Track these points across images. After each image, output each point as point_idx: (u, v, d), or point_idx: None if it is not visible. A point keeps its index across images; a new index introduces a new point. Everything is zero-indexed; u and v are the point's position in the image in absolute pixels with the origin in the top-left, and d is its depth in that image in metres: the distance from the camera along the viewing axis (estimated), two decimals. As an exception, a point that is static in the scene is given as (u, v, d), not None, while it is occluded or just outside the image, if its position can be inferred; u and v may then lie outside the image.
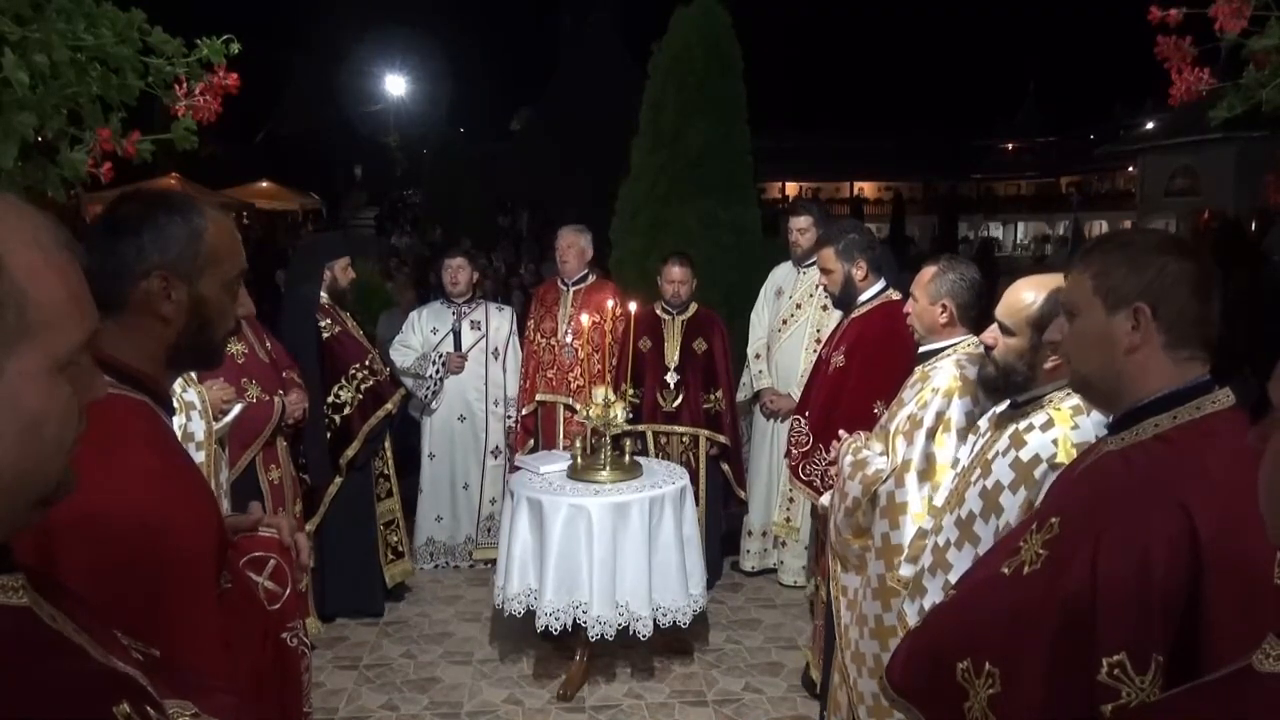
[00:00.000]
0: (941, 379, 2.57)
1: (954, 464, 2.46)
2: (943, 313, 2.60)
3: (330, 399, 4.33)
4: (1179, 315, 1.35)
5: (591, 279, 5.25)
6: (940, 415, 2.52)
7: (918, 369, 2.69)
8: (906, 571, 2.30)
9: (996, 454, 1.97)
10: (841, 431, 2.91)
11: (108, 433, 1.09)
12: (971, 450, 2.16)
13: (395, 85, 30.84)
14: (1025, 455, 1.90)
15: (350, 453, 4.36)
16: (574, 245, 5.19)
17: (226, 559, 1.34)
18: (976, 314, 2.65)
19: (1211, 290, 1.37)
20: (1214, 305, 1.37)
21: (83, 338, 0.79)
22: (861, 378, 3.46)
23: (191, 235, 1.30)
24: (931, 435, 2.51)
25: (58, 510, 0.81)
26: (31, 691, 0.70)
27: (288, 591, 1.44)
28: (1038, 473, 1.86)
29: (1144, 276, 1.36)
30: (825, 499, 2.97)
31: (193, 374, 3.15)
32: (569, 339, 5.07)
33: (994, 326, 2.05)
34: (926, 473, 2.51)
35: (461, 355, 5.14)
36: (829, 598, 3.22)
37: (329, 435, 4.31)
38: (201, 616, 1.21)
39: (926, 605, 2.12)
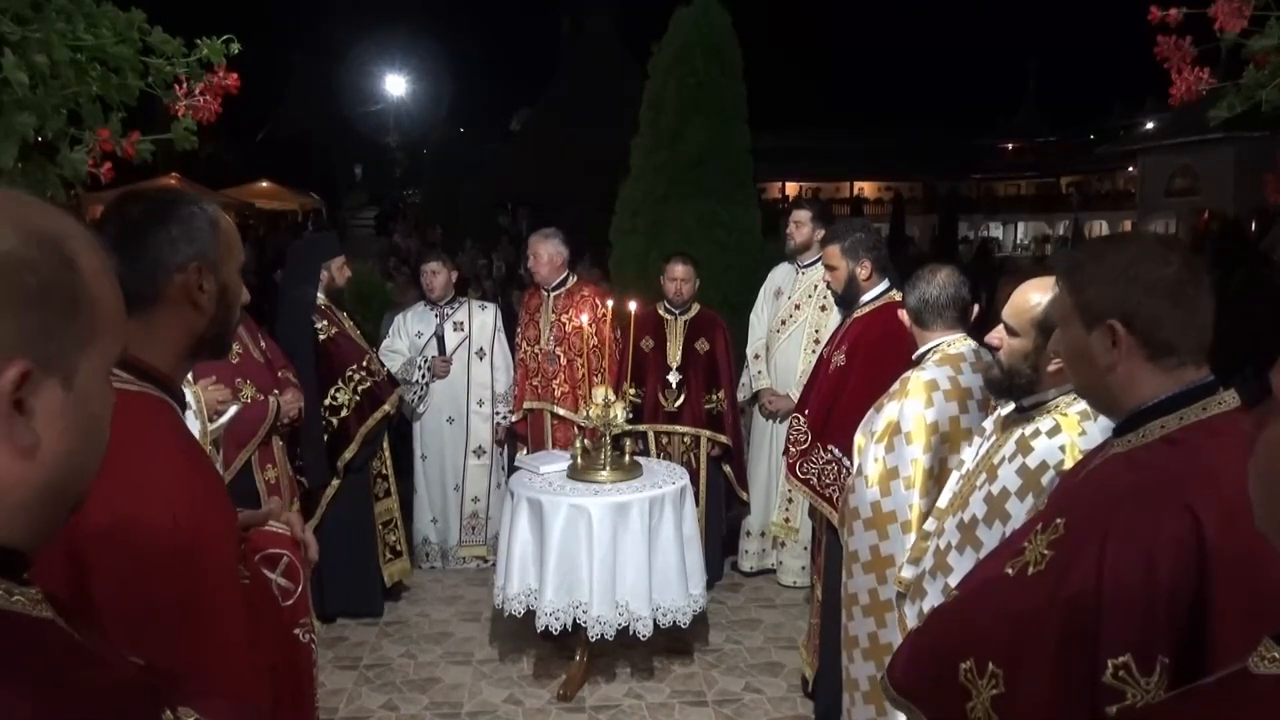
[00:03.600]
0: (898, 384, 2.64)
1: (928, 470, 2.52)
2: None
3: (327, 401, 4.30)
4: (1156, 326, 1.31)
5: (571, 281, 5.10)
6: (889, 422, 2.59)
7: None
8: (908, 574, 2.30)
9: (1003, 459, 1.95)
10: None
11: (133, 433, 1.08)
12: (976, 453, 2.14)
13: (395, 85, 30.80)
14: (1032, 462, 1.88)
15: (348, 455, 4.34)
16: (542, 253, 4.99)
17: (241, 555, 1.34)
18: (953, 316, 2.67)
19: (1194, 294, 1.32)
20: (1199, 308, 1.33)
21: (123, 344, 0.78)
22: (861, 378, 3.45)
23: (211, 225, 1.33)
24: (880, 441, 2.59)
25: (89, 515, 0.79)
26: (81, 699, 0.66)
27: (300, 588, 1.45)
28: (1045, 479, 1.84)
29: (1116, 291, 1.32)
30: None
31: (189, 373, 3.16)
32: (551, 345, 5.01)
33: (1000, 327, 2.04)
34: (872, 478, 2.58)
35: (445, 359, 5.10)
36: (823, 596, 3.24)
37: (326, 437, 4.30)
38: (231, 617, 1.21)
39: (926, 608, 2.11)
